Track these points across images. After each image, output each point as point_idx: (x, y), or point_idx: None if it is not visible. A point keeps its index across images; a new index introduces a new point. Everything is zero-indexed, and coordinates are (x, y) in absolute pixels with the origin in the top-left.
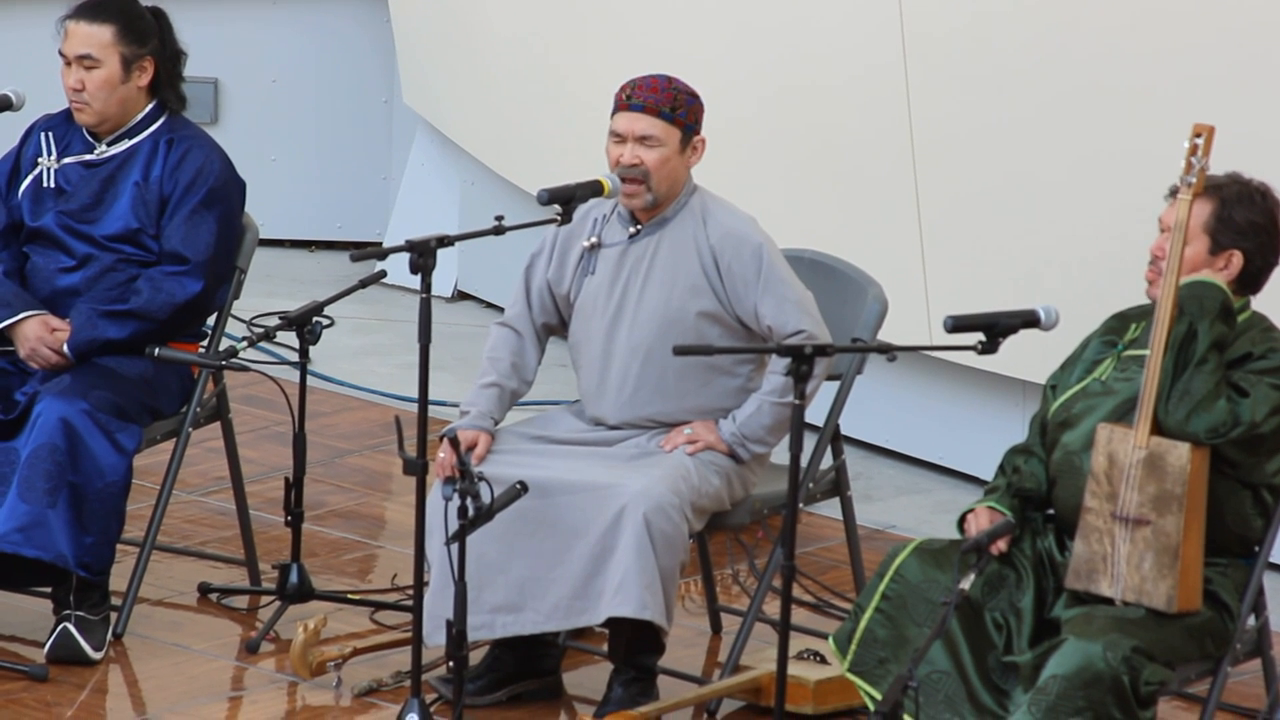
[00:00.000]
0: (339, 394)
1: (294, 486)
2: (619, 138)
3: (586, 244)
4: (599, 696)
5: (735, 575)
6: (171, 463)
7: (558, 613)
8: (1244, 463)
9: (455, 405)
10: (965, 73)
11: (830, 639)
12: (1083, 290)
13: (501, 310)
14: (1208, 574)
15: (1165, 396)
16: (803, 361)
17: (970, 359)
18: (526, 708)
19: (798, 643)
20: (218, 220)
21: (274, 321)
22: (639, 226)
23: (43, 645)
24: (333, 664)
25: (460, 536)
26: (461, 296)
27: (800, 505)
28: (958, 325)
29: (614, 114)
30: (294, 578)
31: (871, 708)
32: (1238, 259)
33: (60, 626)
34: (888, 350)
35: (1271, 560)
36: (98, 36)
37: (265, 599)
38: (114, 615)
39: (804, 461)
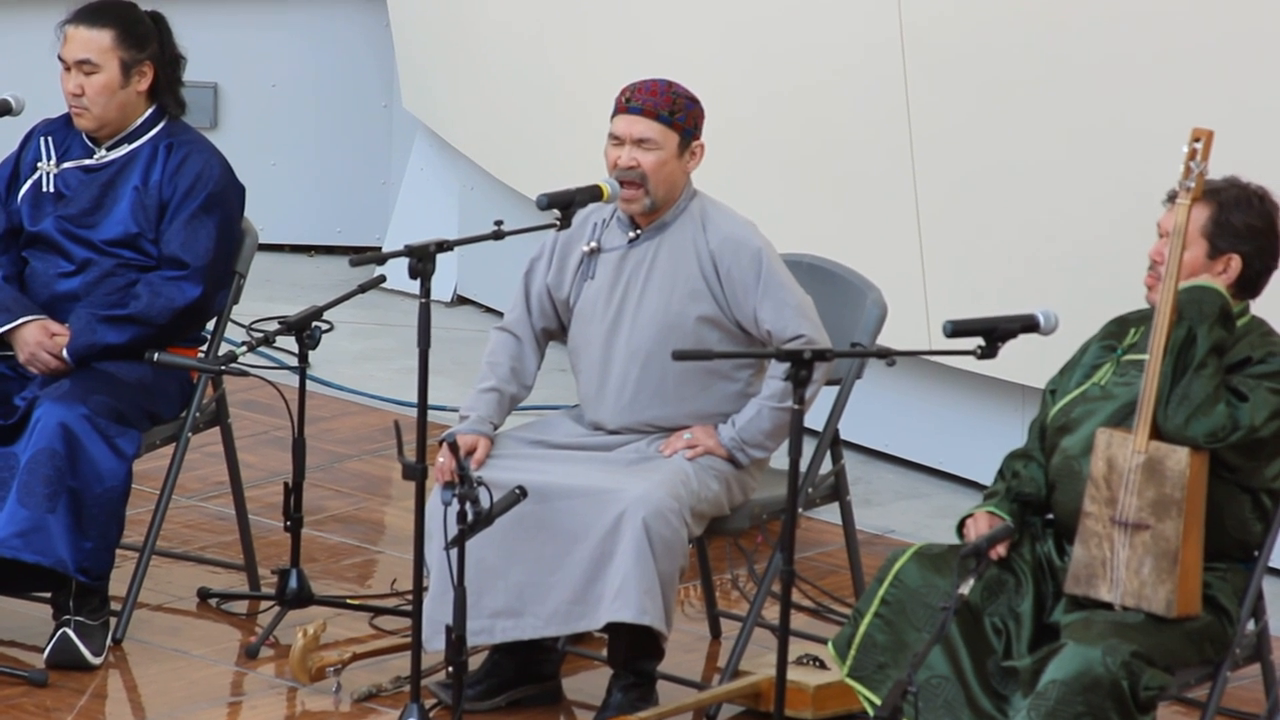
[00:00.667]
0: (338, 399)
1: (293, 491)
2: (617, 140)
3: (586, 249)
4: (598, 702)
5: (734, 580)
6: (171, 467)
7: (557, 618)
8: (1243, 467)
9: (455, 410)
10: (964, 77)
11: (829, 644)
12: (1082, 295)
13: (501, 315)
14: (1207, 579)
15: (1164, 401)
16: (802, 366)
17: (970, 364)
18: (526, 713)
19: (797, 648)
20: (217, 225)
21: (273, 326)
22: (638, 231)
23: (42, 650)
24: (332, 669)
25: (459, 541)
26: (461, 301)
27: (799, 510)
28: (957, 330)
29: (613, 116)
30: (293, 583)
31: (871, 713)
32: (1236, 263)
33: (60, 632)
34: (887, 355)
35: (1271, 565)
36: (97, 41)
37: (265, 604)
38: (113, 620)
39: (803, 466)
